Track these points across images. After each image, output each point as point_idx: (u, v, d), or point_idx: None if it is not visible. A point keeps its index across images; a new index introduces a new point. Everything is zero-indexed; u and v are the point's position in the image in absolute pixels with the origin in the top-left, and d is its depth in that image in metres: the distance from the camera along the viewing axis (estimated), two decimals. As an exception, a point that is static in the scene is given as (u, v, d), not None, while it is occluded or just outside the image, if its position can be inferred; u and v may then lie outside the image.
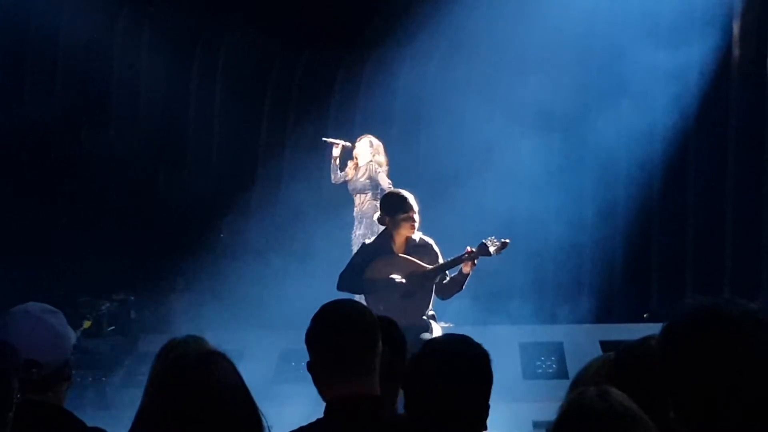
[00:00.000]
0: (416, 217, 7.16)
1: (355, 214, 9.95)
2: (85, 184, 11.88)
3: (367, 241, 7.63)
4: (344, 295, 6.89)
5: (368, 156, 9.88)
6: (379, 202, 9.54)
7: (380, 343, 3.04)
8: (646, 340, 2.75)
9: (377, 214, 7.65)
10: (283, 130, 12.53)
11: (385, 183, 9.72)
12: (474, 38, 11.57)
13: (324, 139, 10.44)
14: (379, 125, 10.95)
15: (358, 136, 10.16)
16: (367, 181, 9.86)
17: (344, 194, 10.18)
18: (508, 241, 7.13)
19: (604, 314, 10.74)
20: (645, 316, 10.54)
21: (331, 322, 3.03)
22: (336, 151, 10.08)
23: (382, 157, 9.88)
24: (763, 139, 10.90)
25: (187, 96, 12.52)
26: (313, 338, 3.04)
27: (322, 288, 7.81)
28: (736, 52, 11.04)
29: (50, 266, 11.38)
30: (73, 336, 3.20)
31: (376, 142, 9.95)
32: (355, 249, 8.64)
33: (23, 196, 11.81)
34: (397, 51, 11.73)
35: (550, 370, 8.92)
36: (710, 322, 1.93)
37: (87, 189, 11.86)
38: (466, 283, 7.16)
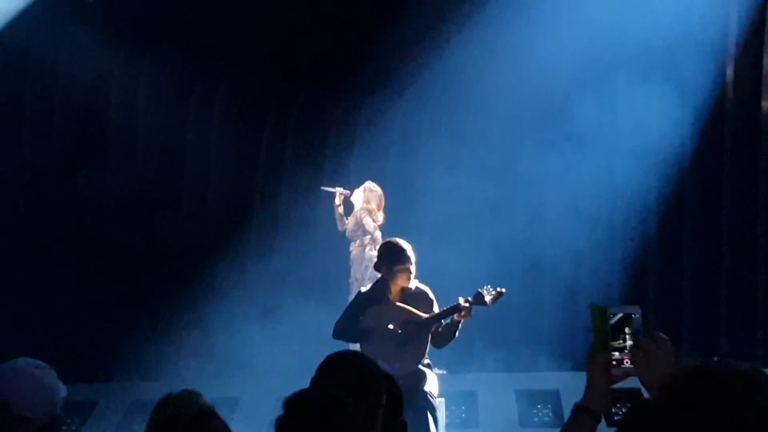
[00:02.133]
0: (413, 268, 7.15)
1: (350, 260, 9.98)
2: (82, 226, 11.87)
3: (363, 289, 7.60)
4: (342, 345, 6.88)
5: (359, 203, 9.92)
6: (368, 247, 9.56)
7: (384, 397, 3.04)
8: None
9: (368, 260, 7.61)
10: (278, 174, 12.55)
11: (370, 226, 9.75)
12: (466, 87, 11.63)
13: (322, 188, 10.48)
14: (374, 169, 10.97)
15: (356, 181, 10.21)
16: (355, 227, 9.89)
17: (341, 238, 10.20)
18: (504, 290, 7.09)
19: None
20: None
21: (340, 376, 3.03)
22: (337, 200, 10.12)
23: (372, 204, 9.88)
24: (758, 187, 10.89)
25: (184, 139, 12.55)
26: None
27: (319, 335, 7.78)
28: (729, 95, 11.07)
29: (45, 309, 11.35)
30: (63, 390, 3.19)
31: (370, 188, 9.96)
32: (352, 295, 8.62)
33: (20, 238, 11.82)
34: (392, 97, 11.78)
35: (547, 419, 8.88)
36: (702, 382, 1.96)
37: (84, 231, 11.86)
38: (459, 329, 7.13)
